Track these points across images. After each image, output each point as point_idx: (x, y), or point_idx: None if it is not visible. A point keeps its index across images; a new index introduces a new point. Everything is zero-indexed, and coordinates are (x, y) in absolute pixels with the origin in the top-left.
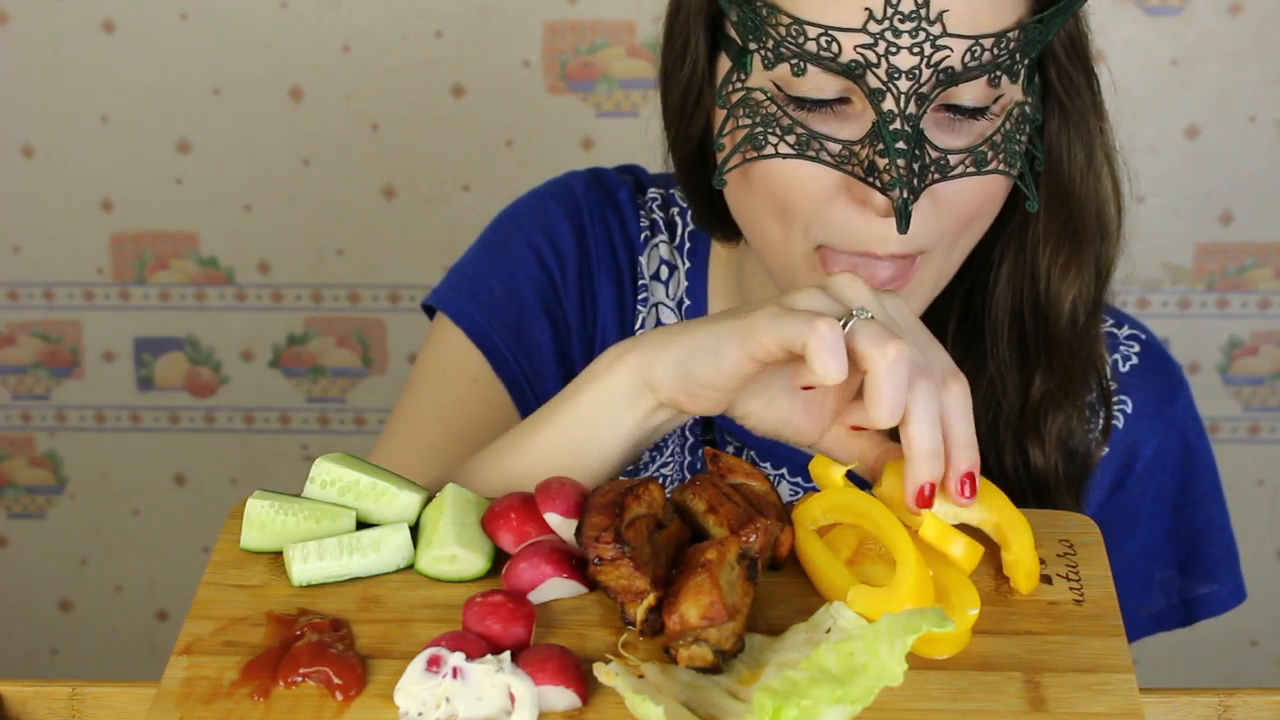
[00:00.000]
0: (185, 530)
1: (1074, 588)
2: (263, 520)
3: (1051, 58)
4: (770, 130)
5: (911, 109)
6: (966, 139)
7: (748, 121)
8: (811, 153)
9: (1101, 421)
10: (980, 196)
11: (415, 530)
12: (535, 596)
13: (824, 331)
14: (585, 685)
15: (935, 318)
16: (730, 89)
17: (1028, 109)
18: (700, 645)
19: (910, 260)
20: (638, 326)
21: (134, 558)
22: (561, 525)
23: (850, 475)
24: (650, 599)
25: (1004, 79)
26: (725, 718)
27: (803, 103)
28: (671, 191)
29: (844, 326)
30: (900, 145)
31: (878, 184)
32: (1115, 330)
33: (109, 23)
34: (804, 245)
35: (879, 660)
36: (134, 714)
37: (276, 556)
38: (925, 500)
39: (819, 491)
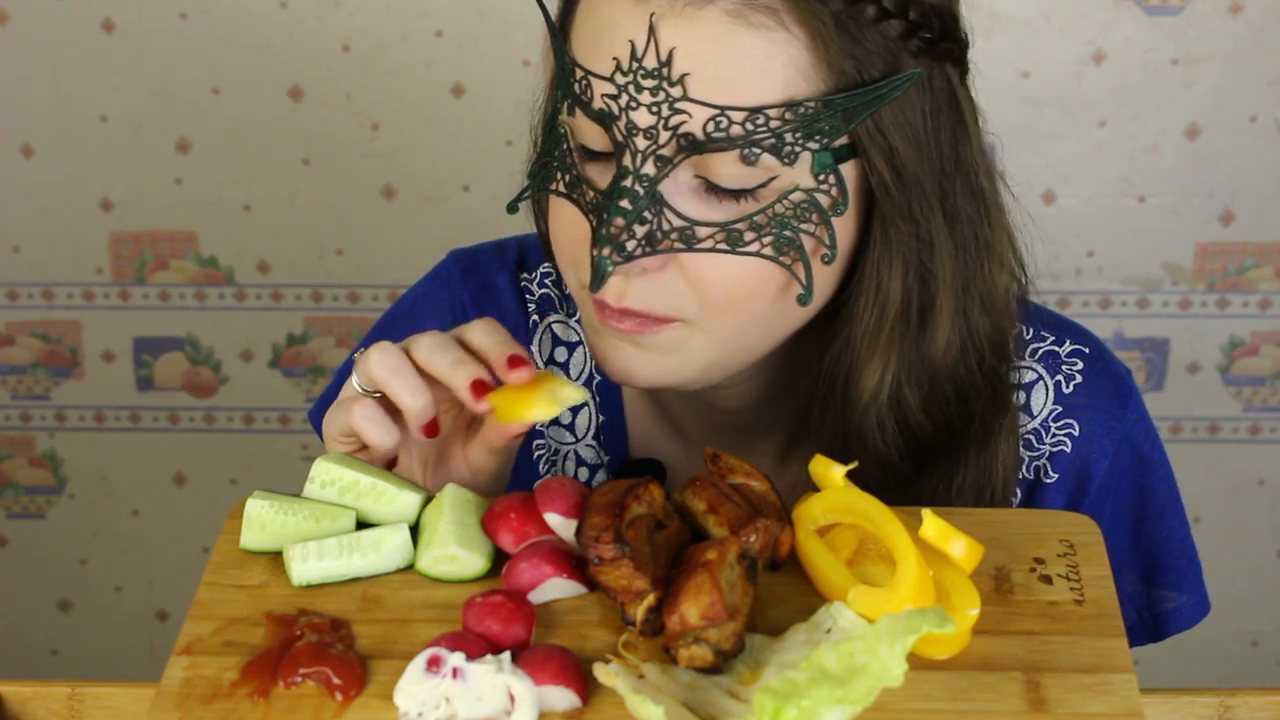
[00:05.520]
0: (185, 530)
1: (1074, 588)
2: (262, 520)
3: (864, 154)
4: (559, 166)
5: (649, 169)
6: (727, 215)
7: (554, 155)
8: (576, 195)
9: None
10: (739, 278)
11: (415, 530)
12: (535, 596)
13: (359, 412)
14: (585, 685)
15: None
16: (554, 123)
17: (820, 197)
18: (700, 645)
19: (661, 322)
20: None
21: (134, 558)
22: (561, 525)
23: (850, 475)
24: (650, 599)
25: (766, 158)
26: (725, 718)
27: (582, 145)
28: None
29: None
30: (624, 204)
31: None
32: (1056, 349)
33: (108, 22)
34: (585, 294)
35: (879, 660)
36: (134, 714)
37: (276, 556)
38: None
39: (819, 491)
